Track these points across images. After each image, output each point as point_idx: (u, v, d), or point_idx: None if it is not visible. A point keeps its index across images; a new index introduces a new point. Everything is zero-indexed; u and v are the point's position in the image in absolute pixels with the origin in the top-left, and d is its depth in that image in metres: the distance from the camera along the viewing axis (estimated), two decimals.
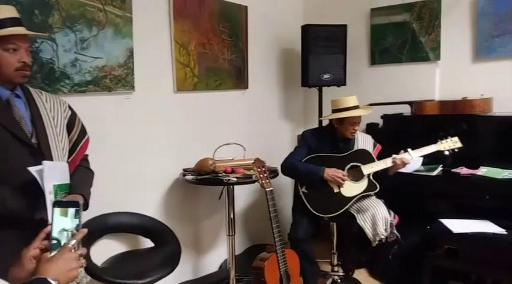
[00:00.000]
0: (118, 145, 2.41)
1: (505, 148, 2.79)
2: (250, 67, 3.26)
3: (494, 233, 2.34)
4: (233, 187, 2.63)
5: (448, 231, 2.41)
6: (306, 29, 3.31)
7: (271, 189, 2.28)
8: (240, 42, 3.15)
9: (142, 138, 2.54)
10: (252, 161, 2.38)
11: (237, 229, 2.76)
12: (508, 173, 2.62)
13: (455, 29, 3.13)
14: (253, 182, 2.44)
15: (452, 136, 2.57)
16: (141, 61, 2.46)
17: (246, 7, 3.17)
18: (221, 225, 3.02)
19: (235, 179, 2.46)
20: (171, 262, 2.25)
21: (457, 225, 2.44)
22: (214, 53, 2.96)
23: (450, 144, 2.55)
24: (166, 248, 2.34)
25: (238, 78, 3.17)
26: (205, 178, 2.50)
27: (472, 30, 3.06)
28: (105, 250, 2.33)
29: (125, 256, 2.36)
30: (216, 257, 3.07)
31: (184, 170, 2.67)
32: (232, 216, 2.65)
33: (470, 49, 3.09)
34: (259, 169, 2.32)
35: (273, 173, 2.64)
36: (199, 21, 2.83)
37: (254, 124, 3.35)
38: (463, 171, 2.78)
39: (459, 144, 2.53)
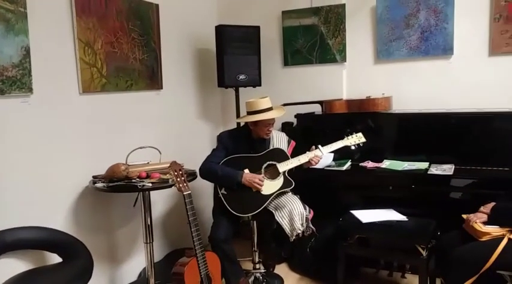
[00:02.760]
0: (15, 153, 2.16)
1: (404, 142, 3.08)
2: (164, 67, 3.16)
3: (397, 221, 2.55)
4: (149, 193, 2.53)
5: (358, 222, 2.58)
6: (220, 30, 3.31)
7: (189, 192, 2.24)
8: (151, 41, 3.04)
9: (44, 144, 2.31)
10: (168, 165, 2.31)
11: (155, 236, 2.66)
12: (408, 165, 2.89)
13: (359, 32, 3.36)
14: (170, 186, 2.37)
15: (357, 132, 2.76)
16: (39, 61, 2.24)
17: (157, 5, 3.06)
18: (138, 233, 2.88)
19: (150, 184, 2.36)
20: (82, 277, 2.09)
21: (366, 215, 2.62)
22: (124, 52, 2.82)
23: (355, 139, 2.74)
24: (76, 262, 2.16)
25: (151, 79, 3.06)
26: (118, 185, 2.35)
27: (373, 34, 3.32)
28: (3, 270, 2.08)
29: (27, 275, 2.12)
30: (134, 266, 2.93)
31: (94, 177, 2.50)
32: (149, 223, 2.55)
33: (372, 52, 3.34)
34: (176, 173, 2.26)
35: (192, 176, 2.59)
36: (106, 19, 2.67)
37: (170, 126, 3.26)
38: (369, 164, 3.00)
39: (363, 139, 2.73)
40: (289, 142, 2.82)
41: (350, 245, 2.60)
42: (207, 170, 2.60)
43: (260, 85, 3.45)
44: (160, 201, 3.16)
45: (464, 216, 2.32)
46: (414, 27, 3.16)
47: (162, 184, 2.40)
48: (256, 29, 3.41)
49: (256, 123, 2.64)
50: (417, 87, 3.20)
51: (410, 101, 3.19)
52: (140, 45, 2.94)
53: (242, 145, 2.69)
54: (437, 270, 2.44)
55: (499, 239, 2.10)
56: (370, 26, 3.33)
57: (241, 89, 3.48)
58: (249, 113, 2.66)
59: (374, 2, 3.26)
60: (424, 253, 2.37)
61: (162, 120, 3.18)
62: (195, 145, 3.49)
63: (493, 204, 2.26)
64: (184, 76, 3.47)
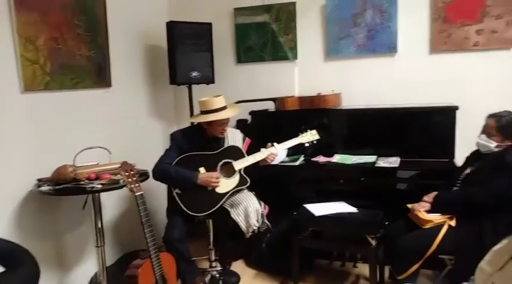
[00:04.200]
0: None
1: (353, 137, 3.20)
2: (113, 64, 3.05)
3: (348, 213, 2.65)
4: (99, 195, 2.45)
5: (311, 215, 2.64)
6: (171, 26, 3.25)
7: (141, 192, 2.19)
8: (99, 37, 2.92)
9: None
10: (119, 165, 2.25)
11: (107, 239, 2.58)
12: (357, 158, 3.00)
13: (309, 30, 3.43)
14: (121, 187, 2.31)
15: (311, 129, 2.82)
16: None
17: (103, 0, 2.95)
18: (88, 236, 2.78)
19: (100, 186, 2.28)
20: None
21: (318, 209, 2.69)
22: (69, 49, 2.69)
23: (309, 136, 2.79)
24: (20, 271, 2.03)
25: (99, 76, 2.94)
26: (65, 187, 2.26)
27: (323, 32, 3.40)
28: None
29: None
30: (84, 272, 2.82)
31: (39, 180, 2.37)
32: (100, 226, 2.46)
33: (322, 49, 3.42)
34: (127, 173, 2.20)
35: (144, 176, 2.54)
36: (49, 13, 2.53)
37: (120, 125, 3.16)
38: (321, 159, 3.09)
39: (317, 136, 2.79)
40: (244, 140, 2.83)
41: (304, 239, 2.66)
42: (160, 172, 2.54)
43: (213, 82, 3.44)
44: (112, 202, 3.06)
45: (409, 206, 2.45)
46: (361, 25, 3.27)
47: (113, 185, 2.33)
48: (208, 25, 3.39)
49: (210, 122, 2.61)
50: (365, 84, 3.32)
51: (359, 97, 3.30)
52: (86, 41, 2.82)
53: (196, 144, 2.66)
54: (386, 258, 2.56)
55: (440, 226, 2.25)
56: (320, 24, 3.41)
57: (194, 86, 3.45)
58: (203, 112, 2.64)
59: (324, 1, 3.34)
60: (373, 242, 2.48)
61: (112, 118, 3.08)
62: (147, 144, 3.41)
63: (435, 193, 2.41)
64: (134, 74, 3.37)
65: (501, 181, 2.13)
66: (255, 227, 2.54)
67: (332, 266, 2.97)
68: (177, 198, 2.54)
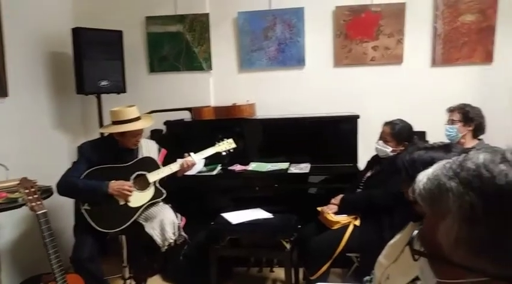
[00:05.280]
0: None
1: (267, 145, 3.32)
2: (10, 71, 2.78)
3: (264, 219, 2.72)
4: None
5: (228, 223, 2.67)
6: (78, 32, 3.07)
7: (44, 211, 2.02)
8: None
9: None
10: (18, 182, 2.05)
11: (4, 264, 2.33)
12: (271, 165, 3.12)
13: (223, 42, 3.49)
14: (20, 206, 2.10)
15: (227, 138, 2.86)
16: None
17: None
18: None
19: None
20: None
21: (235, 217, 2.73)
22: None
23: (226, 145, 2.83)
24: None
25: None
26: None
27: (236, 44, 3.49)
28: None
29: None
30: None
31: None
32: None
33: (235, 61, 3.51)
34: (27, 191, 2.02)
35: (47, 193, 2.35)
36: None
37: (19, 139, 2.88)
38: (237, 167, 3.15)
39: (234, 145, 2.84)
40: (159, 151, 2.76)
41: (222, 248, 2.67)
42: (66, 185, 2.37)
43: (125, 91, 3.31)
44: (9, 223, 2.75)
45: (318, 208, 2.61)
46: (272, 39, 3.42)
47: (10, 205, 2.13)
48: (119, 33, 3.27)
49: (123, 134, 2.51)
50: (277, 94, 3.47)
51: (272, 107, 3.43)
52: None
53: (108, 156, 2.53)
54: (300, 260, 2.68)
55: (346, 227, 2.42)
56: (233, 36, 3.49)
57: (104, 96, 3.29)
58: (115, 123, 2.52)
59: (236, 14, 3.43)
60: (287, 246, 2.58)
61: (9, 131, 2.79)
62: (50, 158, 3.14)
63: (341, 195, 2.59)
64: (36, 82, 3.11)
65: (394, 182, 2.37)
66: (171, 240, 2.49)
67: (250, 272, 3.03)
68: (85, 215, 2.39)
